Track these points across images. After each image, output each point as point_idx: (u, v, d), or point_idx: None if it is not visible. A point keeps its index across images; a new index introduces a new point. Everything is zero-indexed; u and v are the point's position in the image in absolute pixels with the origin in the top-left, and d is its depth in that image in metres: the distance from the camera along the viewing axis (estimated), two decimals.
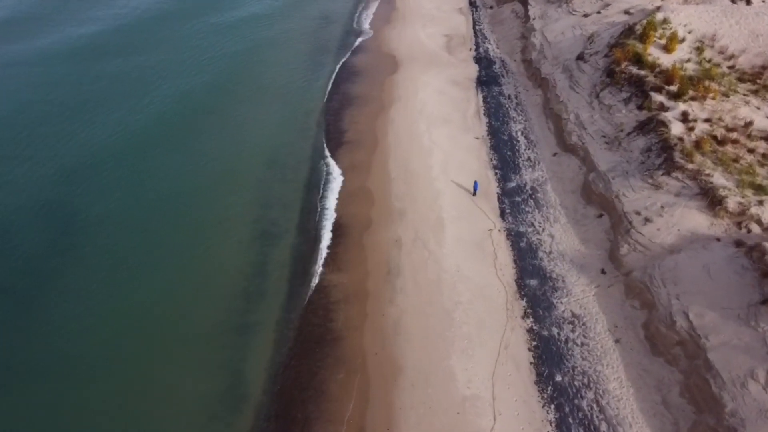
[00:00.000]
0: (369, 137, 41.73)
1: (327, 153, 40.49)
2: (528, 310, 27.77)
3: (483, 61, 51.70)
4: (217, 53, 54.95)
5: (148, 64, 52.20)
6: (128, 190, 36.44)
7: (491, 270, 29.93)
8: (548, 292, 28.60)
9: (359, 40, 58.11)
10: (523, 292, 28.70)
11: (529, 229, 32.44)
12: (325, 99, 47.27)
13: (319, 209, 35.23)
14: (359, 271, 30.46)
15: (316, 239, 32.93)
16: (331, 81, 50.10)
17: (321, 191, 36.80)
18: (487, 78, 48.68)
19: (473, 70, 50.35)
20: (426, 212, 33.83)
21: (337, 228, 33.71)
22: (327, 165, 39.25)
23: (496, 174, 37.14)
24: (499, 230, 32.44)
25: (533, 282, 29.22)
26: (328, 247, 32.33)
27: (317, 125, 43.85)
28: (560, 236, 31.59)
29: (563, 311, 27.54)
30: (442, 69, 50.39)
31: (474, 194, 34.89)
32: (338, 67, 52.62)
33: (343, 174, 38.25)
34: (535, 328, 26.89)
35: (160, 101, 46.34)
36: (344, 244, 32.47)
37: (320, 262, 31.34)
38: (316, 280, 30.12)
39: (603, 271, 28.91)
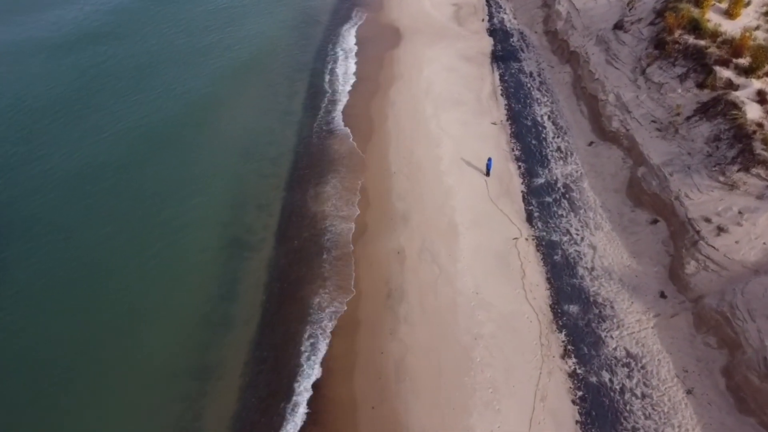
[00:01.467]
0: (364, 122, 35.01)
1: (319, 140, 33.87)
2: (569, 347, 21.53)
3: (498, 33, 44.61)
4: (197, 33, 47.38)
5: (118, 52, 44.56)
6: (66, 186, 29.66)
7: (519, 291, 23.64)
8: (593, 322, 22.36)
9: (355, 9, 50.83)
10: (561, 322, 22.45)
11: (565, 238, 26.04)
12: (321, 79, 40.41)
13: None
14: (350, 293, 24.14)
15: (298, 249, 26.54)
16: (326, 58, 43.14)
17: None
18: (504, 53, 41.69)
19: (487, 43, 43.33)
20: (435, 215, 27.40)
21: None
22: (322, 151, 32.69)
23: (519, 167, 30.54)
24: (526, 239, 26.04)
25: (573, 308, 22.94)
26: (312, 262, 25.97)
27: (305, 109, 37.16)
28: (604, 247, 25.22)
29: (615, 349, 21.32)
30: (450, 42, 43.38)
31: (487, 175, 29.22)
32: (332, 40, 45.56)
33: None
34: (579, 372, 20.70)
35: (123, 88, 39.35)
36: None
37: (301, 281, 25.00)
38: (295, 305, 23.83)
39: (663, 295, 22.66)
